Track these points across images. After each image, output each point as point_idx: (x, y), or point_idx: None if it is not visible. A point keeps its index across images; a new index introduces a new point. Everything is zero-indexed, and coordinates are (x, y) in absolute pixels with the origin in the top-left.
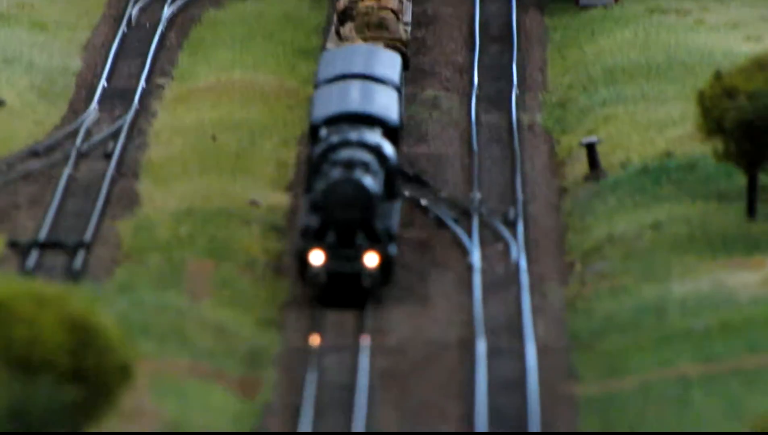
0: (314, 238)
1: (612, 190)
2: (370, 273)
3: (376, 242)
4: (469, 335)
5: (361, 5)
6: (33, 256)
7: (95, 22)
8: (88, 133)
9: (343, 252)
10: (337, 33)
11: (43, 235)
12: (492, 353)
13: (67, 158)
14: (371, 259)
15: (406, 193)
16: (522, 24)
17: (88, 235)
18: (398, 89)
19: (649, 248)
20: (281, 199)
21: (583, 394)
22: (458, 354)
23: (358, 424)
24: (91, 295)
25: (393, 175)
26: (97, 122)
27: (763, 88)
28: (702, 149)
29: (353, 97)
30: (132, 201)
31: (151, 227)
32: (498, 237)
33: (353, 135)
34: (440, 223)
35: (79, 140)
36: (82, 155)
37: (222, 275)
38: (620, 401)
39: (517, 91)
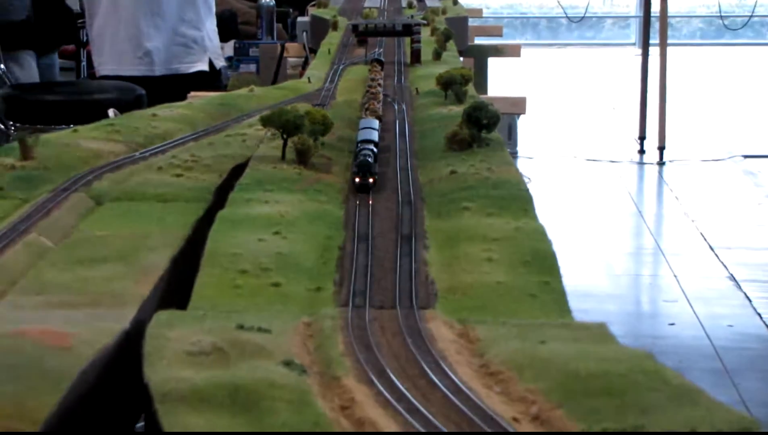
0: (355, 173)
1: (422, 98)
2: (370, 185)
3: (372, 175)
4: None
5: (369, 105)
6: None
7: None
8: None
9: (363, 178)
10: (364, 112)
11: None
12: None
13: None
14: (371, 180)
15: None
16: None
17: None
18: (378, 131)
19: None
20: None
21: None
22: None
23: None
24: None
25: (376, 157)
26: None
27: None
28: None
29: (367, 134)
30: None
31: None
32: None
33: (365, 144)
34: (386, 102)
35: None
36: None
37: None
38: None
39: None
